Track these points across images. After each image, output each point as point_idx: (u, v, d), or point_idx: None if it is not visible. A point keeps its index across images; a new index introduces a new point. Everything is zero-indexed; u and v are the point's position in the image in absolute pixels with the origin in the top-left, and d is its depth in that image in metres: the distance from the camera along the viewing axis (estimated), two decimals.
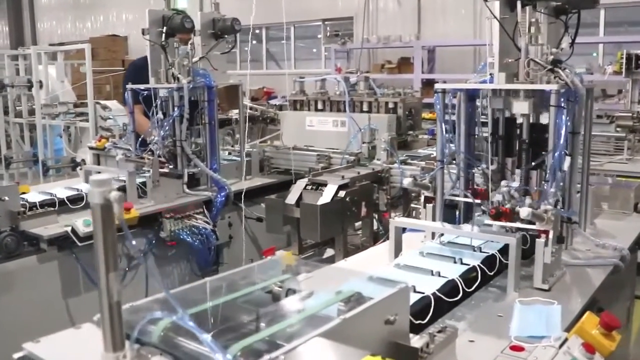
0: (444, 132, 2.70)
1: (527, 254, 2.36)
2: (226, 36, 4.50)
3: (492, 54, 2.51)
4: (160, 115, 4.19)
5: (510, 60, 2.50)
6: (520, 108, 2.47)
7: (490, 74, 2.58)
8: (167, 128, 4.15)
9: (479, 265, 2.24)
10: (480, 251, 2.40)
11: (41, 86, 8.12)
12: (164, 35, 4.19)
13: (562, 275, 2.39)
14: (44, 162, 8.18)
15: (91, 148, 4.95)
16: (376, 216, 4.17)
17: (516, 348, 1.80)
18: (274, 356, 1.18)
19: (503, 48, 2.50)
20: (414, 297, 1.96)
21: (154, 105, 4.15)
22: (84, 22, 18.31)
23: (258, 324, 1.48)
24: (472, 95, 2.76)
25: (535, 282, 2.27)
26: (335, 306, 1.58)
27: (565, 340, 1.80)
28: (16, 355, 1.27)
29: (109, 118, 7.67)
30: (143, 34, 4.21)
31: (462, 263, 2.28)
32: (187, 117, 4.10)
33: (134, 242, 1.09)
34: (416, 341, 1.61)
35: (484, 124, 2.75)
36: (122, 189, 3.82)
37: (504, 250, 2.34)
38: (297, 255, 3.98)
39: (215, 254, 4.06)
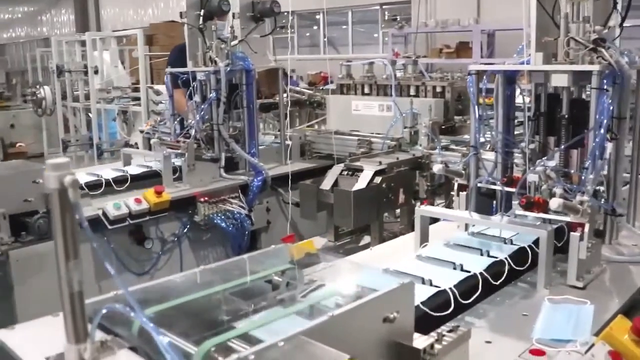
0: (478, 117, 2.54)
1: (566, 248, 2.19)
2: (265, 19, 4.42)
3: (529, 32, 2.34)
4: (197, 98, 4.16)
5: (548, 39, 2.32)
6: (560, 80, 2.29)
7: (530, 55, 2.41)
8: (204, 111, 4.11)
9: (506, 259, 2.09)
10: (512, 244, 2.25)
11: (96, 71, 8.26)
12: (201, 18, 4.14)
13: (600, 272, 2.21)
14: (99, 145, 8.39)
15: (142, 132, 4.99)
16: (416, 204, 4.03)
17: (536, 352, 1.65)
18: (242, 356, 1.08)
19: (541, 26, 2.32)
20: (430, 292, 1.84)
21: (191, 87, 4.12)
22: (145, 8, 18.61)
23: (245, 316, 1.40)
24: (510, 78, 2.58)
25: (569, 279, 2.10)
26: (332, 300, 1.48)
27: (592, 346, 1.65)
28: None
29: (161, 102, 7.74)
30: (181, 17, 4.17)
31: (489, 255, 2.14)
32: (224, 100, 4.05)
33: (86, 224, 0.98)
34: (420, 341, 1.49)
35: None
36: (159, 173, 3.83)
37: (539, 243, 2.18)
38: (332, 242, 3.91)
39: (250, 239, 4.00)
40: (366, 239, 3.96)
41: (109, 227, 3.28)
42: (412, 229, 3.95)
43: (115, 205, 3.28)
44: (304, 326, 1.22)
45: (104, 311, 1.04)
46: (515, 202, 2.59)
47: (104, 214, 3.28)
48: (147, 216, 3.48)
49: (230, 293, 1.48)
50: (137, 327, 1.31)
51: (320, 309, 1.43)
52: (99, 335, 1.16)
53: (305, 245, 3.03)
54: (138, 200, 3.43)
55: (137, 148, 5.17)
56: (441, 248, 2.22)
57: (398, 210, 4.07)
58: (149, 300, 1.40)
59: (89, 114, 8.60)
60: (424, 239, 2.38)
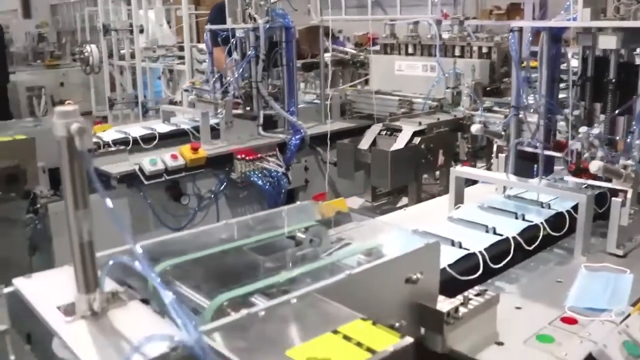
0: (520, 76, 2.43)
1: (606, 215, 2.09)
2: None
3: None
4: (237, 56, 4.12)
5: None
6: (607, 43, 2.16)
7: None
8: (243, 69, 4.08)
9: (542, 223, 2.01)
10: (549, 208, 2.16)
11: (141, 30, 8.28)
12: None
13: None
14: (144, 103, 8.45)
15: (185, 90, 5.00)
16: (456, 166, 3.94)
17: (568, 320, 1.58)
18: (252, 311, 1.06)
19: None
20: (458, 254, 1.78)
21: (230, 45, 4.08)
22: None
23: (263, 272, 1.37)
24: (556, 36, 2.45)
25: (608, 246, 2.01)
26: (354, 259, 1.45)
27: (628, 316, 1.57)
28: (5, 290, 1.24)
29: (204, 61, 7.73)
30: None
31: (524, 219, 2.06)
32: (263, 58, 4.00)
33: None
34: (444, 304, 1.44)
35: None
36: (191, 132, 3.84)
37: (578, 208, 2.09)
38: (370, 203, 3.86)
39: (287, 197, 3.99)
40: (404, 201, 3.89)
41: (145, 182, 3.31)
42: None
43: (152, 161, 3.30)
44: (319, 283, 1.18)
45: (111, 263, 1.03)
46: (559, 168, 2.50)
47: (140, 169, 3.30)
48: (184, 172, 3.49)
49: (251, 248, 1.45)
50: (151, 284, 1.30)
51: (340, 268, 1.40)
52: (112, 286, 1.15)
53: (336, 204, 2.99)
54: (174, 157, 3.44)
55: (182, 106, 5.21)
56: (475, 210, 2.15)
57: (437, 173, 3.99)
58: (167, 253, 1.38)
59: (134, 73, 8.67)
60: (459, 200, 2.31)
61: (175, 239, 1.46)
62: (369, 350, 0.96)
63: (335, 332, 1.01)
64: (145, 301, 1.15)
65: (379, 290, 1.31)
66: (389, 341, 0.99)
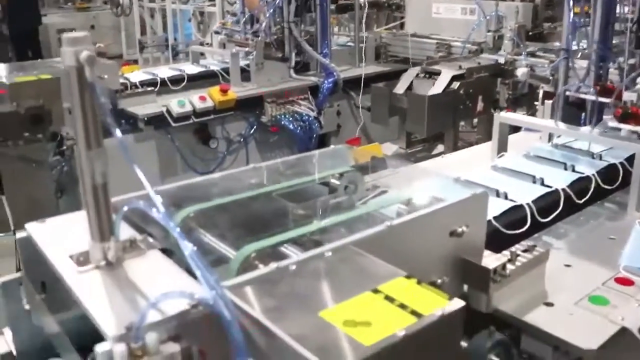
0: (572, 17, 2.24)
1: None
2: None
3: None
4: None
5: None
6: None
7: None
8: (275, 9, 3.91)
9: (593, 175, 1.86)
10: (600, 159, 2.01)
11: None
12: None
13: None
14: (174, 46, 8.31)
15: (215, 32, 4.85)
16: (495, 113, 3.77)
17: (623, 281, 1.45)
18: (282, 265, 0.95)
19: None
20: (504, 206, 1.65)
21: None
22: None
23: (294, 221, 1.27)
24: None
25: None
26: (394, 209, 1.33)
27: None
28: (18, 235, 1.15)
29: (235, 2, 7.52)
30: None
31: (574, 171, 1.91)
32: None
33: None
34: (490, 260, 1.32)
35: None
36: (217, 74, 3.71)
37: (632, 160, 1.94)
38: (404, 150, 3.73)
39: (318, 142, 3.87)
40: (439, 148, 3.76)
41: (173, 124, 3.21)
42: (490, 140, 3.75)
43: (180, 103, 3.19)
44: (356, 235, 1.07)
45: (126, 209, 0.92)
46: (608, 116, 2.33)
47: (168, 111, 3.19)
48: (212, 115, 3.38)
49: (281, 195, 1.34)
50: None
51: (378, 218, 1.28)
52: (130, 234, 1.05)
53: (370, 149, 2.87)
54: (203, 98, 3.32)
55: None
56: (520, 159, 2.01)
57: (475, 120, 3.83)
58: (191, 198, 1.28)
59: (164, 15, 8.50)
60: (502, 148, 2.16)
61: (200, 183, 1.36)
62: (414, 313, 0.85)
63: (375, 291, 0.90)
64: (166, 251, 1.05)
65: (421, 244, 1.19)
66: (437, 303, 0.87)
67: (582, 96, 2.36)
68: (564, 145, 2.12)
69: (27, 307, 1.17)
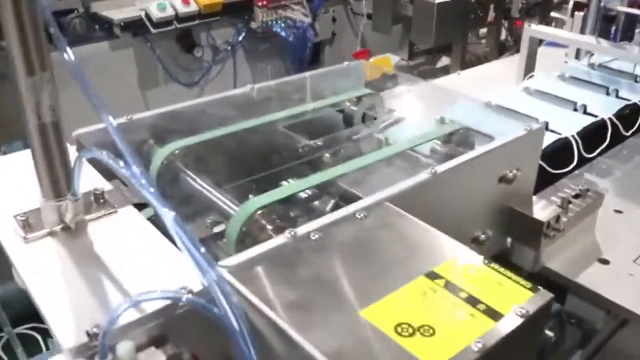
0: None
1: None
2: None
3: None
4: None
5: None
6: None
7: None
8: None
9: None
10: None
11: None
12: None
13: None
14: None
15: None
16: (506, 24, 3.47)
17: None
18: (301, 233, 0.71)
19: None
20: (548, 139, 1.40)
21: None
22: None
23: (307, 163, 1.01)
24: None
25: None
26: (427, 146, 1.08)
27: None
28: None
29: None
30: None
31: (617, 96, 1.66)
32: None
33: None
34: (542, 211, 1.09)
35: None
36: None
37: None
38: (406, 62, 3.43)
39: (312, 51, 3.55)
40: (444, 61, 3.46)
41: (153, 30, 2.86)
42: (499, 53, 3.46)
43: (160, 6, 2.83)
44: (393, 187, 0.82)
45: (84, 159, 0.66)
46: None
47: (147, 15, 2.84)
48: (197, 20, 3.02)
49: (287, 126, 1.08)
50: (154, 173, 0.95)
51: (413, 159, 1.03)
52: (97, 184, 0.80)
53: (380, 63, 2.58)
54: (186, 2, 2.96)
55: None
56: (554, 81, 1.74)
57: (483, 30, 3.51)
58: (176, 130, 1.02)
59: None
60: (530, 67, 1.89)
61: (187, 110, 1.08)
62: (490, 312, 0.61)
63: (432, 275, 0.66)
64: (144, 206, 0.80)
65: (466, 193, 0.95)
66: (517, 295, 0.64)
67: (620, 8, 2.08)
68: (602, 66, 1.85)
69: None
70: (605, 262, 1.16)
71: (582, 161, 1.47)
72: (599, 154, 1.50)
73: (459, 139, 1.07)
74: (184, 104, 1.09)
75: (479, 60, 3.14)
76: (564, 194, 1.17)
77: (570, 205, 1.14)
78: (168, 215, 0.56)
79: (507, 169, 1.01)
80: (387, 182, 0.84)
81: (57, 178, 0.71)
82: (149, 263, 0.67)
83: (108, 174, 0.85)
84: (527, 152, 1.05)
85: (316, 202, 0.90)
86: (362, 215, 0.76)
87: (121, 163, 0.59)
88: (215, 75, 3.32)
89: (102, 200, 0.77)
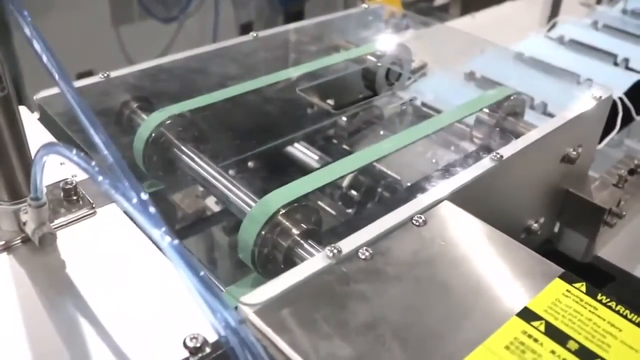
0: None
1: None
2: None
3: None
4: None
5: None
6: None
7: None
8: None
9: None
10: None
11: None
12: None
13: None
14: None
15: None
16: None
17: None
18: (348, 249, 0.53)
19: None
20: None
21: None
22: None
23: (332, 140, 0.82)
24: None
25: None
26: (475, 118, 0.89)
27: None
28: None
29: None
30: None
31: None
32: None
33: None
34: (599, 193, 0.92)
35: None
36: None
37: None
38: None
39: None
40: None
41: None
42: None
43: None
44: (453, 180, 0.64)
45: (45, 160, 0.46)
46: None
47: None
48: None
49: (302, 89, 0.88)
50: (141, 148, 0.75)
51: (460, 133, 0.85)
52: (69, 173, 0.60)
53: (389, 2, 2.36)
54: None
55: None
56: (587, 30, 1.54)
57: None
58: (164, 91, 0.82)
59: None
60: (555, 11, 1.70)
61: (176, 66, 0.88)
62: None
63: (527, 315, 0.49)
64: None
65: (527, 179, 0.78)
66: None
67: None
68: (636, 12, 1.66)
69: None
70: None
71: (622, 124, 1.30)
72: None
73: (509, 106, 0.89)
74: (172, 57, 0.88)
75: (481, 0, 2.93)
76: (617, 169, 1.00)
77: (627, 185, 0.98)
78: (165, 239, 0.38)
79: (570, 146, 0.83)
80: (432, 165, 0.66)
81: (12, 173, 0.51)
82: (141, 294, 0.49)
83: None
84: (591, 126, 0.88)
85: (346, 190, 0.72)
86: (420, 220, 0.58)
87: (97, 168, 0.40)
88: (195, 10, 3.06)
89: (74, 197, 0.58)
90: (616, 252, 0.97)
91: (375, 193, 0.70)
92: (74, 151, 0.42)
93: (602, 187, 0.94)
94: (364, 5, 1.14)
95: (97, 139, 0.39)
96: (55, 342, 0.44)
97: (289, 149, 0.91)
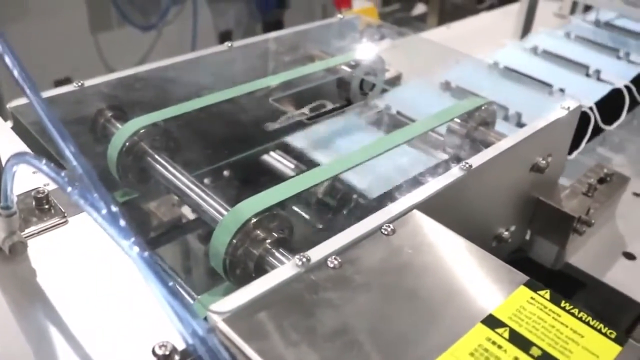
0: None
1: None
2: None
3: None
4: None
5: None
6: None
7: None
8: None
9: None
10: None
11: None
12: None
13: None
14: None
15: None
16: None
17: None
18: (317, 257, 0.54)
19: None
20: None
21: None
22: None
23: (307, 147, 0.83)
24: None
25: None
26: (446, 127, 0.90)
27: None
28: None
29: None
30: None
31: (629, 60, 1.51)
32: None
33: None
34: (569, 201, 0.94)
35: None
36: None
37: None
38: (378, 10, 3.23)
39: None
40: (420, 8, 3.28)
41: None
42: (477, 2, 3.27)
43: None
44: (422, 189, 0.65)
45: (14, 169, 0.46)
46: None
47: None
48: None
49: (276, 99, 0.89)
50: (114, 157, 0.75)
51: (433, 142, 0.87)
52: (39, 182, 0.61)
53: (365, 13, 2.38)
54: None
55: None
56: (560, 41, 1.57)
57: None
58: (138, 102, 0.82)
59: None
60: (529, 21, 1.73)
61: (150, 75, 0.88)
62: None
63: (492, 322, 0.50)
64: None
65: (496, 188, 0.79)
66: (604, 351, 0.49)
67: None
68: (609, 24, 1.69)
69: None
70: (631, 256, 1.03)
71: (594, 133, 1.32)
72: (611, 123, 1.35)
73: (480, 116, 0.90)
74: (147, 66, 0.88)
75: (458, 10, 2.96)
76: (587, 178, 1.02)
77: (596, 193, 1.00)
78: (134, 254, 0.38)
79: (540, 155, 0.85)
80: (402, 174, 0.67)
81: None
82: (111, 302, 0.49)
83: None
84: (561, 135, 0.90)
85: (316, 197, 0.73)
86: (388, 229, 0.59)
87: (66, 178, 0.41)
88: (174, 18, 3.06)
89: (46, 206, 0.58)
90: (586, 259, 0.99)
91: (347, 202, 0.71)
92: (44, 161, 0.42)
93: (572, 196, 0.96)
94: (339, 16, 1.15)
95: (66, 151, 0.40)
96: (24, 350, 0.45)
97: (265, 157, 0.92)
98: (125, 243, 0.38)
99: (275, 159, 0.91)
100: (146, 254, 0.38)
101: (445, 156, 0.88)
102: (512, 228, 0.88)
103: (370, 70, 1.05)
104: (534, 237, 0.96)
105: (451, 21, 2.02)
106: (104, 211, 0.39)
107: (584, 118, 1.25)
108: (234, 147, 0.81)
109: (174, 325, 0.39)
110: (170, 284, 0.38)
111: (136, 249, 0.38)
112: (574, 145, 1.21)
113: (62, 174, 0.41)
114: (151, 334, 0.46)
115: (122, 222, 0.39)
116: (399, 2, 3.27)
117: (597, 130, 1.31)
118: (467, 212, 0.74)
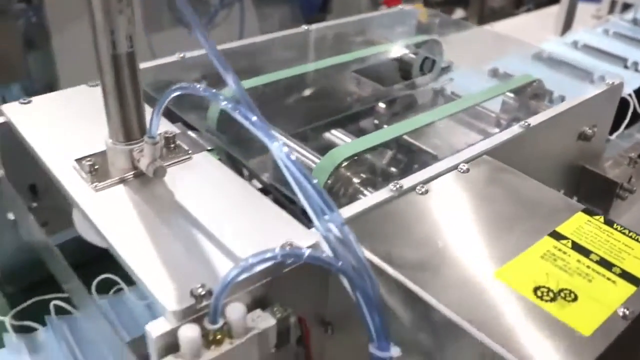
0: None
1: None
2: None
3: None
4: None
5: None
6: None
7: None
8: None
9: None
10: None
11: None
12: None
13: None
14: None
15: None
16: None
17: None
18: (408, 184, 0.64)
19: None
20: None
21: None
22: None
23: (378, 112, 0.94)
24: None
25: None
26: (497, 100, 1.00)
27: None
28: None
29: None
30: None
31: None
32: None
33: None
34: (612, 170, 1.03)
35: None
36: None
37: None
38: None
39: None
40: (459, 13, 3.37)
41: None
42: (516, 6, 3.36)
43: None
44: (488, 140, 0.75)
45: (176, 93, 0.57)
46: None
47: None
48: None
49: (361, 72, 1.00)
50: (215, 115, 0.86)
51: (484, 114, 0.97)
52: (161, 127, 0.72)
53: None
54: None
55: None
56: (599, 36, 1.66)
57: None
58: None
59: None
60: (569, 20, 1.82)
61: (239, 50, 1.00)
62: (627, 276, 0.55)
63: (556, 235, 0.60)
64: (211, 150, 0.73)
65: (549, 151, 0.89)
66: None
67: None
68: None
69: (11, 216, 0.84)
70: None
71: (633, 120, 1.41)
72: None
73: (532, 92, 1.00)
74: (237, 42, 1.00)
75: (497, 13, 3.06)
76: (627, 152, 1.11)
77: (637, 165, 1.09)
78: (281, 153, 0.48)
79: (586, 125, 0.94)
80: (462, 140, 0.77)
81: (129, 118, 0.63)
82: (239, 213, 0.60)
83: (170, 117, 0.77)
84: (605, 108, 0.99)
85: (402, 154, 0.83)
86: (464, 168, 0.69)
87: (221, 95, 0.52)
88: (223, 21, 3.20)
89: (173, 145, 0.69)
90: (629, 226, 1.07)
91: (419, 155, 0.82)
92: (200, 86, 0.53)
93: (614, 166, 1.05)
94: (400, 7, 1.26)
95: (229, 79, 0.50)
96: (179, 248, 0.55)
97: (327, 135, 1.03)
98: (275, 145, 0.48)
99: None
100: (293, 155, 0.48)
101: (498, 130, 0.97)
102: (562, 192, 0.97)
103: (430, 53, 1.15)
104: (580, 203, 1.05)
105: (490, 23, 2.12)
106: (254, 118, 0.49)
107: (623, 104, 1.34)
108: (315, 112, 0.91)
109: (312, 218, 0.48)
110: (315, 181, 0.48)
111: (285, 148, 0.48)
112: (614, 128, 1.29)
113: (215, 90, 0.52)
114: (275, 233, 0.56)
115: (270, 130, 0.49)
116: (439, 7, 3.37)
117: (635, 117, 1.39)
118: (524, 170, 0.84)
